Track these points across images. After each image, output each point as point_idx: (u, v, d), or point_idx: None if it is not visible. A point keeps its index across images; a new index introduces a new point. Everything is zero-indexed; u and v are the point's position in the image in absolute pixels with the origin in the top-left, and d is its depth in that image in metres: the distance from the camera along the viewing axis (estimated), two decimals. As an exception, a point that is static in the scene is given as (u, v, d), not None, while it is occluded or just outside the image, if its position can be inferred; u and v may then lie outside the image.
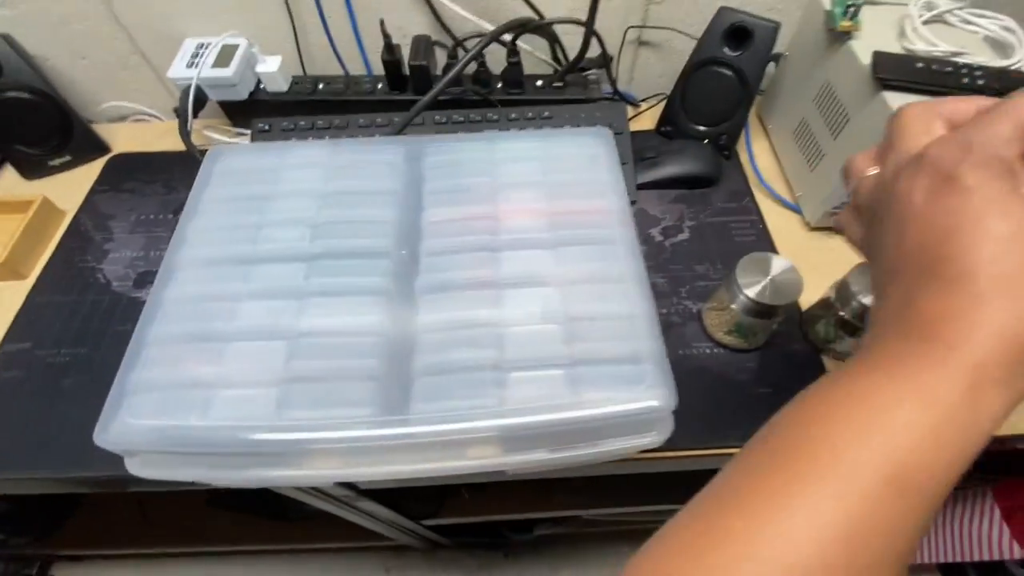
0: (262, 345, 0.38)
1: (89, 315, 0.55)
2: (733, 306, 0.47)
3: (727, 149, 0.65)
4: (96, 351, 0.52)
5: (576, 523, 0.98)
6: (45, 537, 1.08)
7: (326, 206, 0.46)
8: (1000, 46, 0.50)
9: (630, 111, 0.69)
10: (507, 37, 0.60)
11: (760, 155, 0.66)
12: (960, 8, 0.52)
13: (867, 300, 0.45)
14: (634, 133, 0.69)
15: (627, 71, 0.72)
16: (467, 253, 0.43)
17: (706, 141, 0.65)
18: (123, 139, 0.72)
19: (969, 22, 0.51)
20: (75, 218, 0.63)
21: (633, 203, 0.62)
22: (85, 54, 0.68)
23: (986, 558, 0.86)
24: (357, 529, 0.84)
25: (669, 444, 0.47)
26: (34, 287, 0.57)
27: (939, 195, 0.20)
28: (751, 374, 0.50)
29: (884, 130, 0.25)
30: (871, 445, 0.17)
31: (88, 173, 0.68)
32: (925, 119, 0.23)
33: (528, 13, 0.62)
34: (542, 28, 0.62)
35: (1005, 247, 0.18)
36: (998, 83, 0.45)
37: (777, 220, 0.61)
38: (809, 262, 0.57)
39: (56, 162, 0.67)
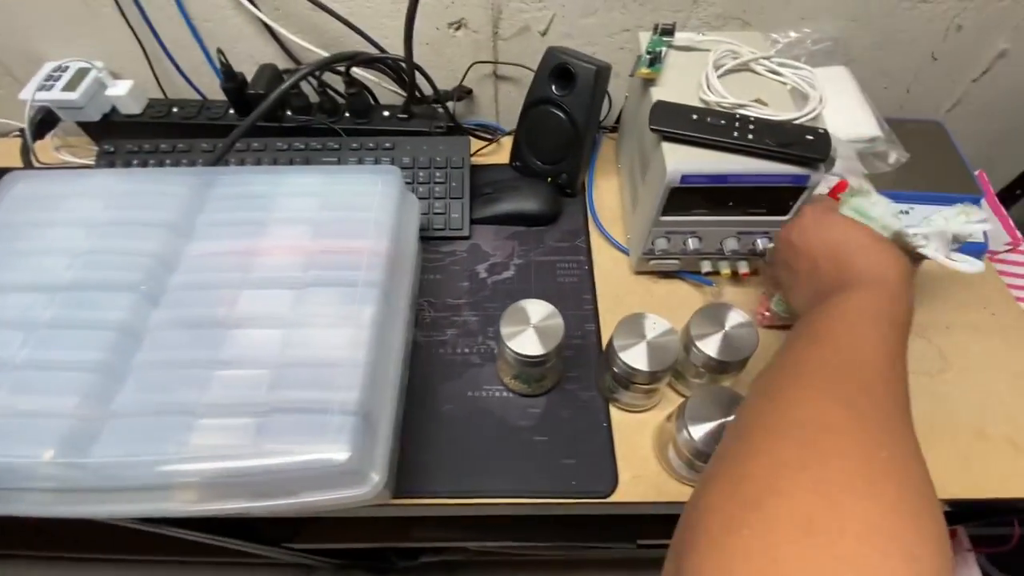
0: (-26, 377, 0.38)
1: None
2: (506, 355, 0.46)
3: (569, 187, 0.64)
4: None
5: (463, 552, 0.97)
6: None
7: (96, 236, 0.46)
8: (801, 97, 0.49)
9: (475, 145, 0.68)
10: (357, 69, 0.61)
11: (607, 195, 0.65)
12: (766, 58, 0.51)
13: (632, 361, 0.43)
14: (489, 166, 0.69)
15: (490, 103, 0.72)
16: (210, 290, 0.43)
17: (550, 179, 0.64)
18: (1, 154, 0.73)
19: (776, 72, 0.51)
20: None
21: (467, 238, 0.62)
22: (-44, 72, 0.70)
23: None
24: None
25: (424, 492, 0.46)
26: None
27: (816, 225, 0.39)
28: (533, 420, 0.49)
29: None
30: (868, 313, 0.32)
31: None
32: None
33: (367, 47, 0.62)
34: (378, 61, 0.62)
35: (852, 237, 0.37)
36: (771, 137, 0.44)
37: (607, 262, 0.60)
38: (627, 306, 0.56)
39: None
